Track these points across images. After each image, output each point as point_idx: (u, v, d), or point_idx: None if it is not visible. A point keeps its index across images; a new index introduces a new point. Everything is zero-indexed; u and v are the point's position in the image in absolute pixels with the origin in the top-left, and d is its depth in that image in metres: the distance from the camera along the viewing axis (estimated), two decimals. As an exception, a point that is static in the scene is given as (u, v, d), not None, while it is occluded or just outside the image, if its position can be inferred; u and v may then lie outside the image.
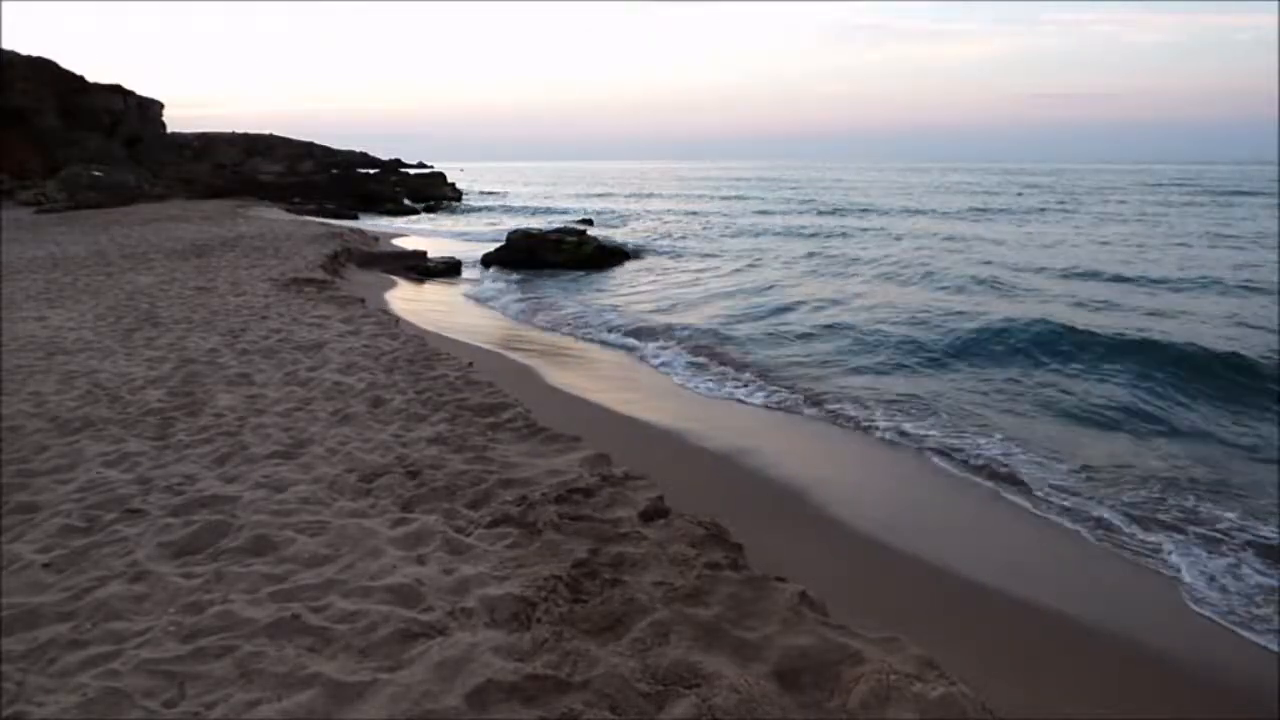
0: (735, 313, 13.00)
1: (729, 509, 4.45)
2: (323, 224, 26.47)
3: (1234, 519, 5.24)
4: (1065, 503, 5.44)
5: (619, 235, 25.35)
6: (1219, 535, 5.02)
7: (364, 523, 3.96)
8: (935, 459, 6.34)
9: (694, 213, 37.93)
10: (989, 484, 5.85)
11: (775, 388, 8.34)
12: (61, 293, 11.55)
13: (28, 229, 22.44)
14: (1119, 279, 15.86)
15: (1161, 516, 5.28)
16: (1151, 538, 4.97)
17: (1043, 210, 36.28)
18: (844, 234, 26.47)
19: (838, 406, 7.66)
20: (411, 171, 60.64)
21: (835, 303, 13.76)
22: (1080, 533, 5.08)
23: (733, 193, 55.80)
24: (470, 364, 7.38)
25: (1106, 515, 5.24)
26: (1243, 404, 7.87)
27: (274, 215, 30.60)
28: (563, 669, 2.73)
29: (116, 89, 46.41)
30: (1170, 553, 4.77)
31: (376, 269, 17.13)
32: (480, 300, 14.43)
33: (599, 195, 54.57)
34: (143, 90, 51.61)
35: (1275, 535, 5.00)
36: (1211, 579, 4.49)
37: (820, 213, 33.69)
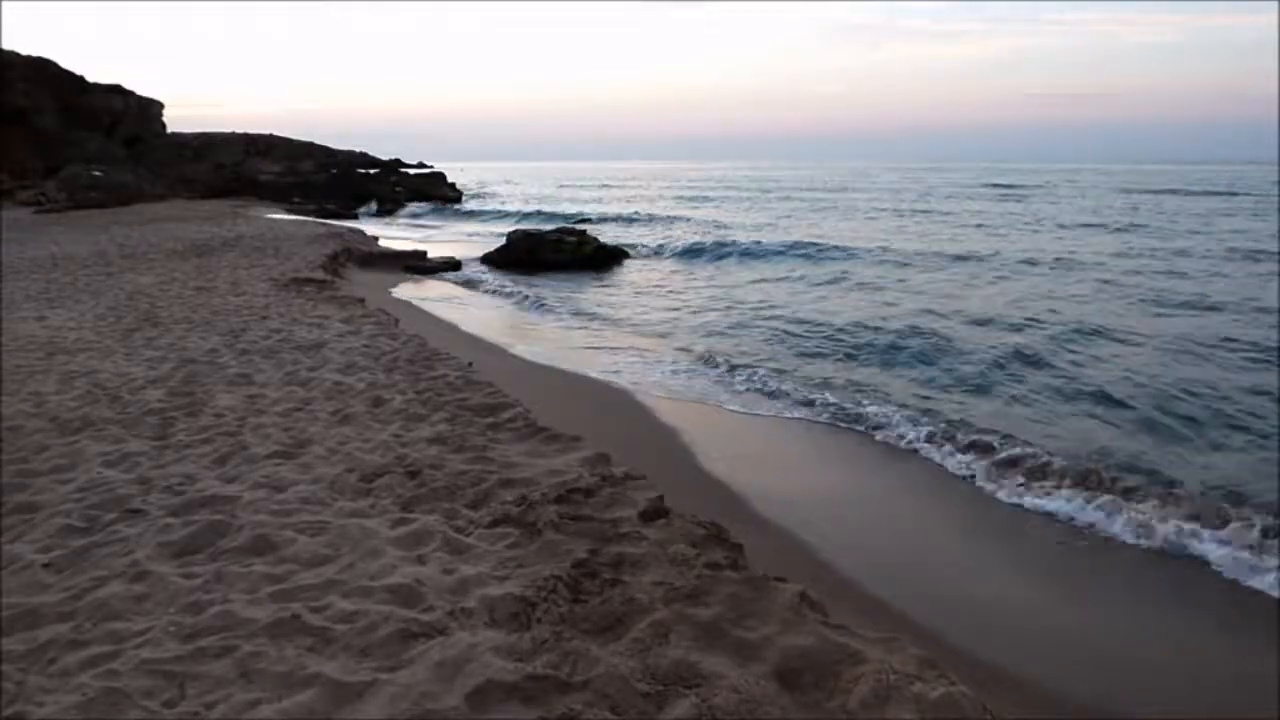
0: (733, 309, 13.01)
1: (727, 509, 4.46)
2: (322, 224, 26.48)
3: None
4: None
5: (618, 235, 25.35)
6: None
7: (364, 523, 3.96)
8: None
9: (703, 207, 37.92)
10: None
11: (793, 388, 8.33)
12: (61, 293, 11.55)
13: (28, 229, 22.44)
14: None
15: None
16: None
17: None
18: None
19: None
20: (411, 171, 60.53)
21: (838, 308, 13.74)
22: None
23: (735, 193, 55.72)
24: (470, 364, 7.38)
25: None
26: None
27: (274, 215, 30.63)
28: (563, 669, 2.73)
29: (116, 89, 46.40)
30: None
31: (376, 269, 17.14)
32: (480, 299, 14.44)
33: (599, 195, 54.52)
34: (143, 90, 51.64)
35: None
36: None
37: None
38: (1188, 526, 4.99)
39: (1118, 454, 6.37)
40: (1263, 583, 4.40)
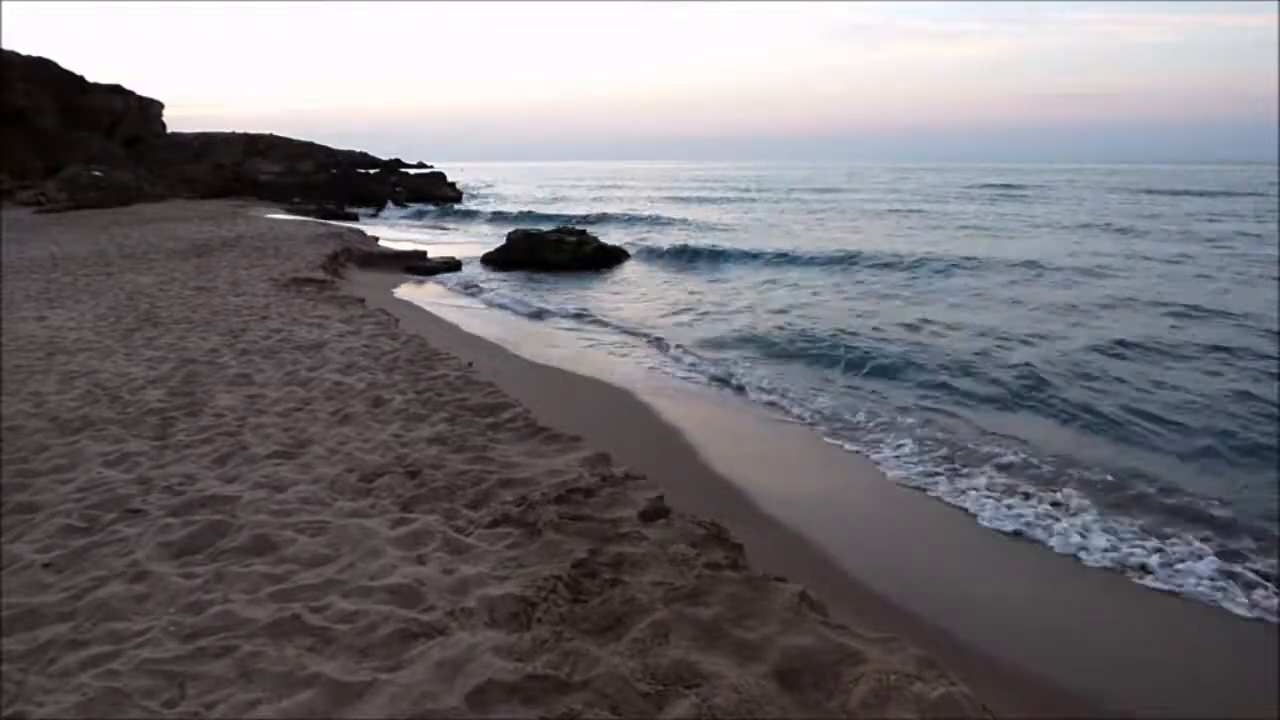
0: (734, 311, 13.02)
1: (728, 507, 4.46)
2: (322, 224, 26.48)
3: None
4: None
5: (619, 235, 25.35)
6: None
7: (364, 523, 3.96)
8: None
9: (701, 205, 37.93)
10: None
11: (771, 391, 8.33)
12: (61, 293, 11.55)
13: (28, 229, 22.44)
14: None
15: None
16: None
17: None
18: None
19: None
20: (411, 171, 60.51)
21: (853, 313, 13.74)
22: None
23: (735, 193, 55.75)
24: (470, 364, 7.38)
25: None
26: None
27: (274, 215, 30.62)
28: (563, 669, 2.73)
29: (116, 89, 46.44)
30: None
31: (376, 269, 17.15)
32: (480, 300, 14.44)
33: (599, 195, 54.54)
34: (143, 90, 51.71)
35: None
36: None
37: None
38: (1191, 539, 4.99)
39: (1116, 463, 6.36)
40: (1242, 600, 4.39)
